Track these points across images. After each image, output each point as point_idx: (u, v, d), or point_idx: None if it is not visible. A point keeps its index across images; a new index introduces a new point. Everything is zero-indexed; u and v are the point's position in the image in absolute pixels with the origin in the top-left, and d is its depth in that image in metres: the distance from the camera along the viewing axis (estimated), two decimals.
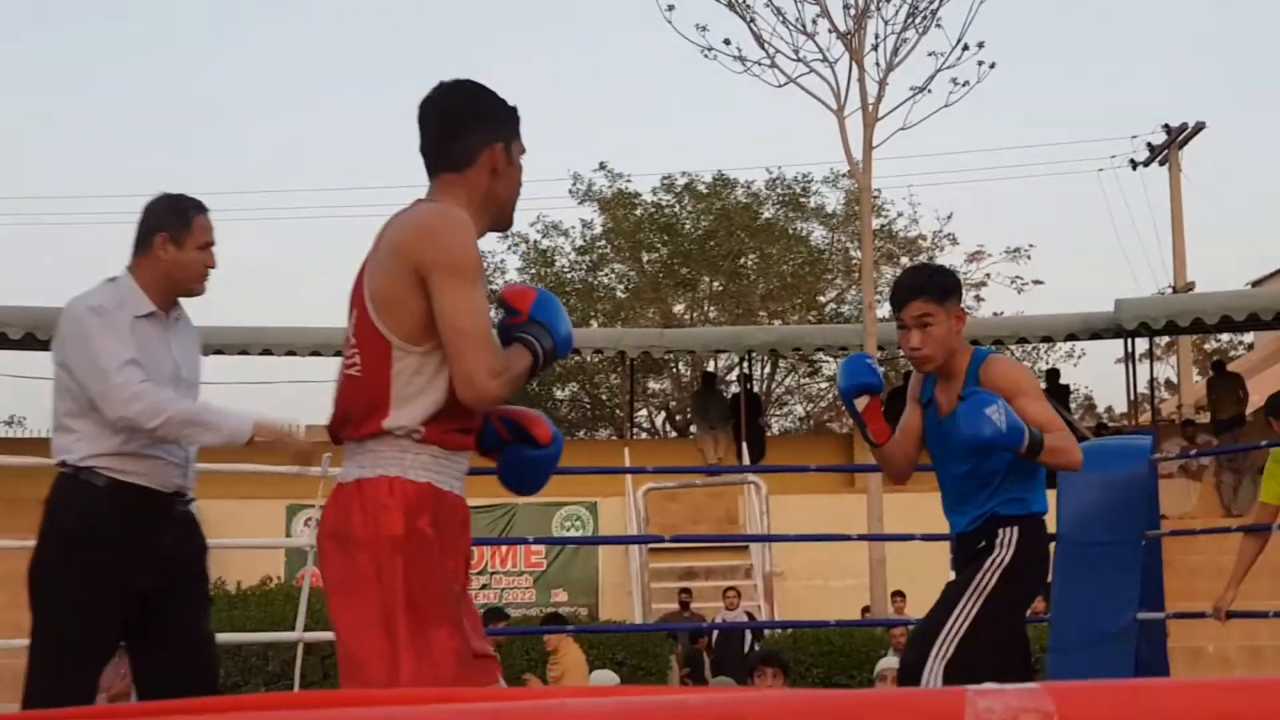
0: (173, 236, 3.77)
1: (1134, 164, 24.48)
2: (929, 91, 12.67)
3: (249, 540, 12.75)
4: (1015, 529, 3.91)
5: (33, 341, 15.28)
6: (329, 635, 8.96)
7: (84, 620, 3.65)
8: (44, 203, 41.49)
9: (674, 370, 24.22)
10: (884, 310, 26.08)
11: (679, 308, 24.42)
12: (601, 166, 24.50)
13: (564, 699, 0.98)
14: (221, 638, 9.14)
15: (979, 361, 3.97)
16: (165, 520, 3.76)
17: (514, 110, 2.97)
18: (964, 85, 12.68)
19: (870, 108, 12.32)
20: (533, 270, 25.08)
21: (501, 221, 2.98)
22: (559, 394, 25.46)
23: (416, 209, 2.86)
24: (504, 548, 15.40)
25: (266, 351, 16.59)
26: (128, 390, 3.60)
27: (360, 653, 2.74)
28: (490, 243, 31.66)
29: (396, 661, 2.70)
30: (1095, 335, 17.56)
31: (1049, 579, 4.15)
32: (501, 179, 2.91)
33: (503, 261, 25.32)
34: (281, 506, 14.91)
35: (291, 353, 16.67)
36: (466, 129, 2.90)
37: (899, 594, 12.41)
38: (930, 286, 4.02)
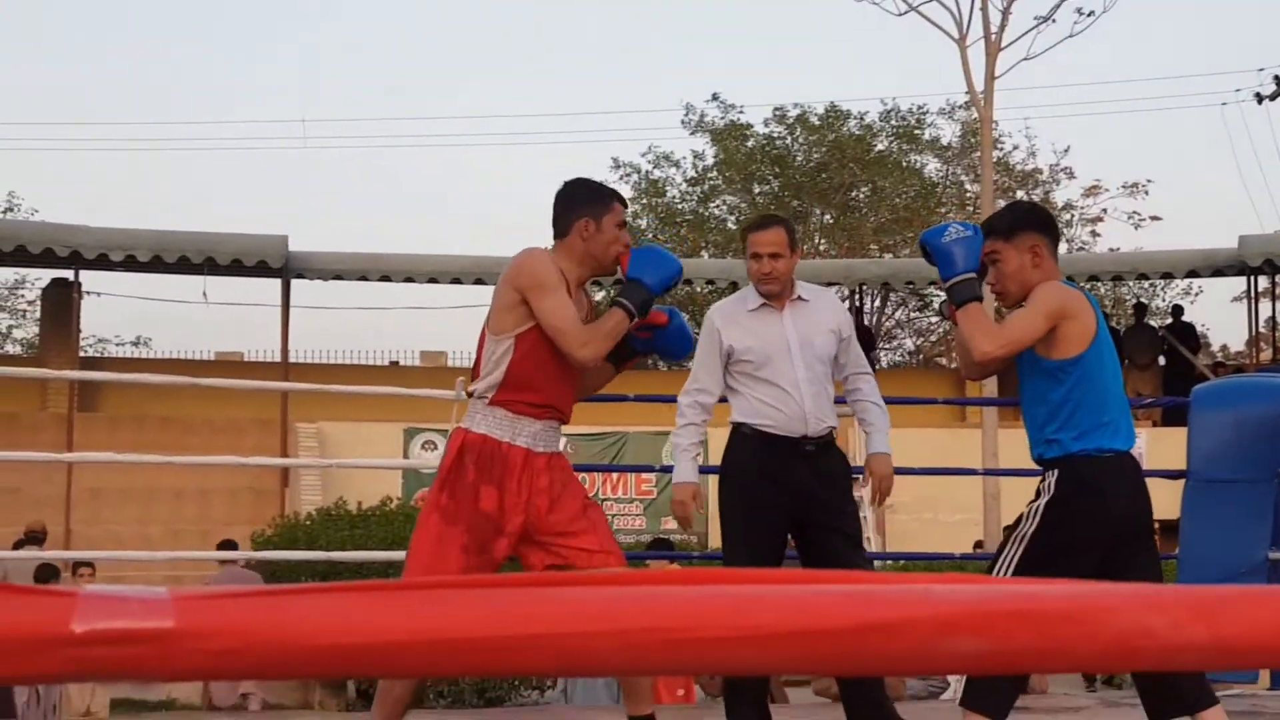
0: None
1: (1260, 98, 23.85)
2: (1053, 21, 12.47)
3: (371, 461, 12.98)
4: (1056, 472, 3.82)
5: (159, 264, 15.61)
6: None
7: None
8: (170, 128, 42.23)
9: None
10: None
11: None
12: (714, 98, 24.38)
13: (929, 585, 1.02)
14: (346, 555, 9.37)
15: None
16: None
17: (610, 192, 4.11)
18: (1089, 15, 12.47)
19: (993, 37, 12.15)
20: (644, 200, 25.07)
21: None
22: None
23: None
24: (615, 475, 15.54)
25: (385, 278, 16.80)
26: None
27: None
28: (603, 173, 31.70)
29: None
30: (1217, 272, 17.22)
31: (1121, 516, 3.81)
32: (592, 242, 3.98)
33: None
34: (399, 429, 15.17)
35: (410, 279, 16.88)
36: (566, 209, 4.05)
37: None
38: (996, 225, 3.98)
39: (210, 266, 15.63)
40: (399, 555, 10.15)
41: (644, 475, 15.41)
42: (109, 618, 0.84)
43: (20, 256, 15.92)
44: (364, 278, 16.74)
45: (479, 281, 16.95)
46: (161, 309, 22.86)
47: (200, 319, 36.20)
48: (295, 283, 16.30)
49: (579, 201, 4.01)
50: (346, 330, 29.94)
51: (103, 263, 15.61)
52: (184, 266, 15.73)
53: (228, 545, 10.96)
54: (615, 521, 15.19)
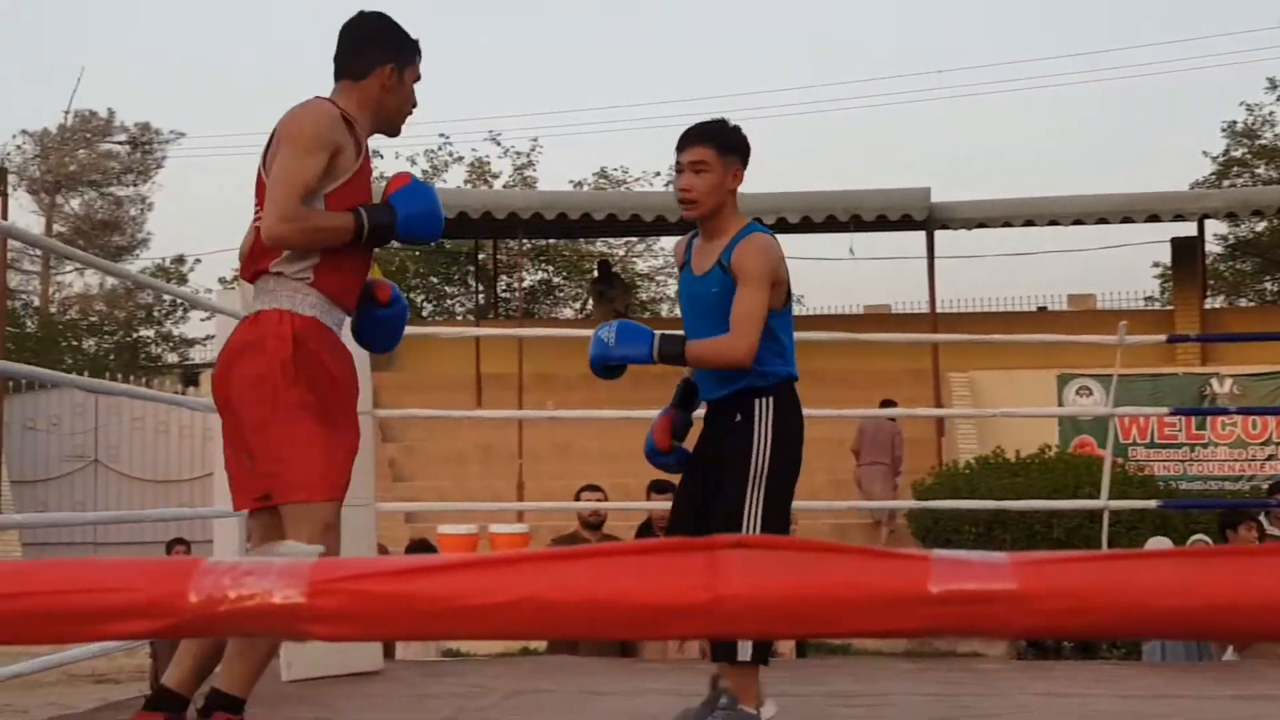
0: None
1: None
2: None
3: (1020, 410, 12.94)
4: (770, 399, 3.84)
5: (807, 224, 16.21)
6: (1132, 503, 8.88)
7: None
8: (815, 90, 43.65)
9: None
10: None
11: None
12: None
13: None
14: (1009, 504, 9.39)
15: (744, 235, 3.86)
16: None
17: (414, 42, 3.50)
18: None
19: None
20: None
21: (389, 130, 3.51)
22: None
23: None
24: None
25: (1029, 223, 16.60)
26: None
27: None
28: (1258, 95, 29.85)
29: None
30: None
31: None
32: (390, 95, 3.43)
33: None
34: (1052, 375, 14.99)
35: (1054, 222, 16.58)
36: (368, 48, 3.43)
37: None
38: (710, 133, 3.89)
39: (856, 223, 16.08)
40: (1063, 504, 10.17)
41: None
42: (960, 580, 0.95)
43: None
44: (1007, 224, 16.60)
45: (1125, 220, 16.40)
46: (812, 267, 23.71)
47: (849, 274, 37.17)
48: (939, 234, 16.41)
49: (385, 43, 3.44)
50: (991, 278, 29.86)
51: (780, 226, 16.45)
52: (831, 225, 16.26)
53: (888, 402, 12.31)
54: None
